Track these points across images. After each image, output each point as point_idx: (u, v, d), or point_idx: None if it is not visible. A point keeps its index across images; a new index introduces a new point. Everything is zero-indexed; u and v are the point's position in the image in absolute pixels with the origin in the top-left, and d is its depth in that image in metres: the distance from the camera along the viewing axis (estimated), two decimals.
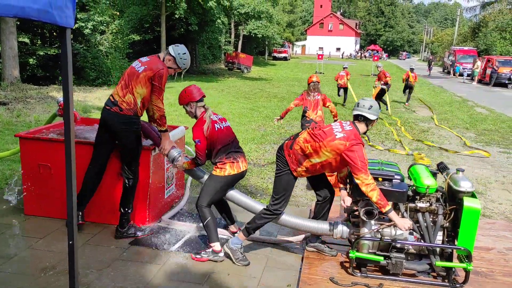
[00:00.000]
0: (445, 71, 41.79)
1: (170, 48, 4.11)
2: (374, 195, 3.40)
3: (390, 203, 3.48)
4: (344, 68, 16.25)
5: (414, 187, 3.60)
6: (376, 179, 3.57)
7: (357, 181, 3.46)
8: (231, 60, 34.45)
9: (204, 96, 4.11)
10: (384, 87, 14.09)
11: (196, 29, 23.35)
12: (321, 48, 74.74)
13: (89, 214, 4.42)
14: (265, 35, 32.33)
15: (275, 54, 54.50)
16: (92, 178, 4.23)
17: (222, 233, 4.41)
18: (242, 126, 11.02)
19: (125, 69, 4.24)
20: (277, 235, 4.52)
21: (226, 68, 35.08)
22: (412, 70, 16.09)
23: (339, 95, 16.10)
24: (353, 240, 3.72)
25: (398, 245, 3.57)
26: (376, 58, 36.55)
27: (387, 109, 14.01)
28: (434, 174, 3.71)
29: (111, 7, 22.62)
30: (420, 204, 3.58)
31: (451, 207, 3.53)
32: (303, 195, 6.12)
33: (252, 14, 25.83)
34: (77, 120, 5.01)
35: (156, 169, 4.50)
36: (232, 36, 40.48)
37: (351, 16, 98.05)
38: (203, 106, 4.07)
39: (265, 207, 3.90)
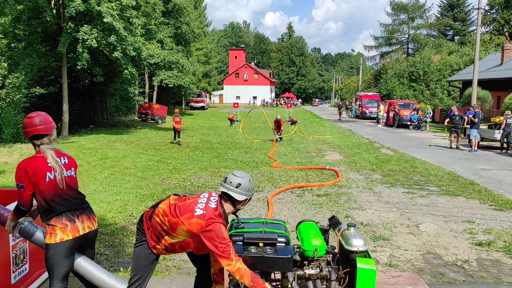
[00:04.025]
0: (352, 114, 44.22)
1: None
2: (246, 280, 2.83)
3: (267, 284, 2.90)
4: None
5: (301, 250, 3.08)
6: (256, 244, 3.00)
7: (224, 267, 2.87)
8: (144, 111, 33.52)
9: (42, 135, 3.20)
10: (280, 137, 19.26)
11: (101, 80, 22.24)
12: (238, 97, 76.31)
13: None
14: (176, 84, 31.95)
15: (192, 104, 54.36)
16: None
17: None
18: (144, 181, 10.12)
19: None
20: None
21: (140, 119, 33.99)
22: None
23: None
24: None
25: None
26: (289, 105, 37.70)
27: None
28: (325, 231, 3.24)
29: (7, 59, 20.95)
30: (309, 271, 3.05)
31: (345, 270, 3.05)
32: None
33: (162, 64, 25.39)
34: None
35: None
36: (147, 87, 39.66)
37: (265, 66, 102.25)
38: (40, 145, 3.19)
39: None
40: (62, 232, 3.08)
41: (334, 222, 3.36)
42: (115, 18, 19.47)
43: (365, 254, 2.99)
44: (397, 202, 8.42)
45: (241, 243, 3.06)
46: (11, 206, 3.59)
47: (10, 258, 3.79)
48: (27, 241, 4.03)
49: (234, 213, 3.09)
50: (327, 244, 3.21)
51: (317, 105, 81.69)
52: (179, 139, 18.25)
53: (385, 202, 8.47)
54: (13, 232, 3.39)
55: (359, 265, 2.88)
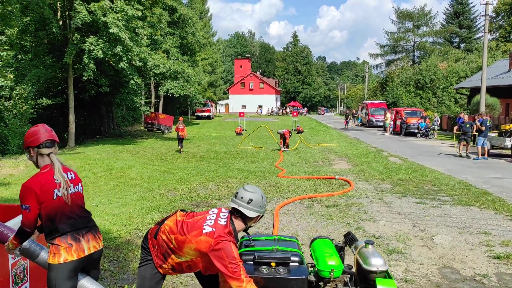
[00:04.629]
0: (359, 123, 43.97)
1: None
2: None
3: None
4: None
5: (316, 270, 2.89)
6: (268, 263, 2.82)
7: None
8: (150, 121, 33.52)
9: (53, 141, 3.08)
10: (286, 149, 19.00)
11: (108, 91, 22.24)
12: (244, 106, 76.33)
13: None
14: (182, 94, 31.91)
15: (198, 114, 54.38)
16: None
17: None
18: (149, 192, 9.97)
19: None
20: None
21: (146, 129, 33.98)
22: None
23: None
24: None
25: None
26: (295, 113, 37.53)
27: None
28: (340, 249, 3.06)
29: (14, 70, 21.04)
30: None
31: None
32: None
33: (168, 74, 25.39)
34: None
35: None
36: (153, 97, 39.73)
37: (270, 75, 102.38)
38: (48, 155, 3.03)
39: None
40: (67, 252, 2.92)
41: (350, 239, 3.17)
42: (121, 28, 19.49)
43: (385, 274, 2.80)
44: (409, 213, 8.19)
45: (251, 262, 2.88)
46: (11, 222, 3.45)
47: (10, 277, 3.63)
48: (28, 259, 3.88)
49: (245, 230, 2.91)
50: (343, 262, 3.02)
51: (322, 114, 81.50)
52: (180, 147, 18.52)
53: (396, 212, 8.24)
54: (13, 251, 3.23)
55: (379, 286, 2.69)
